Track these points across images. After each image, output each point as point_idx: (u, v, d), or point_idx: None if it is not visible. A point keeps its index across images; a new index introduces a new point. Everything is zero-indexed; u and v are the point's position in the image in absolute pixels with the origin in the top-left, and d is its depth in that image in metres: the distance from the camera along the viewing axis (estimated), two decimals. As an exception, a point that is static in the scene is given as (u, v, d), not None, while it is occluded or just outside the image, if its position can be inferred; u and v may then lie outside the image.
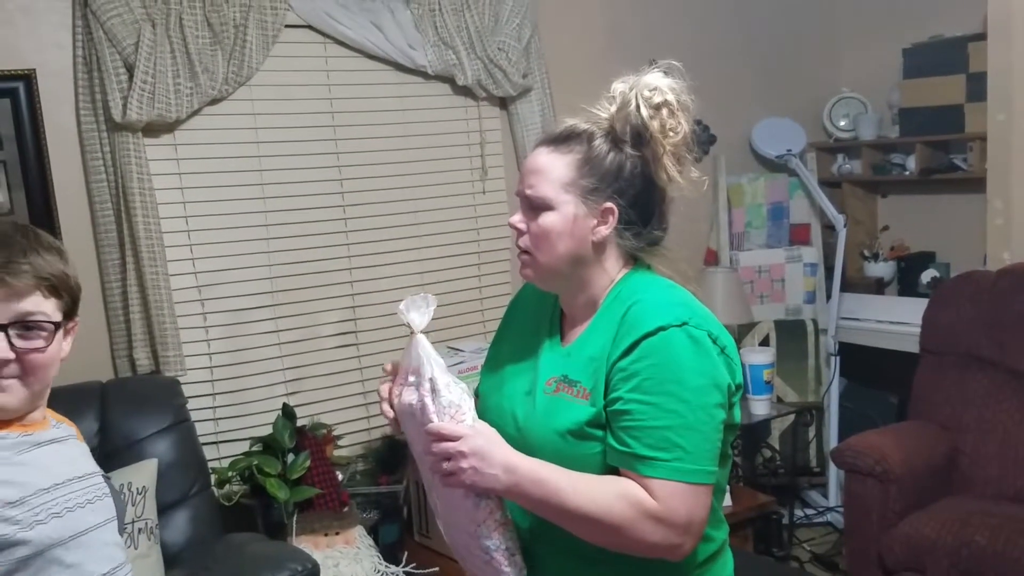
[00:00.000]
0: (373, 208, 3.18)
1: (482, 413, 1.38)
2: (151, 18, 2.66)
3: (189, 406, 2.70)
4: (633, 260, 1.43)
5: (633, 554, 1.31)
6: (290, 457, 2.69)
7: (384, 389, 1.42)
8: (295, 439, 2.73)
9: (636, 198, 1.37)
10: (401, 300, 1.34)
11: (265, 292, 2.99)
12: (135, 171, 2.65)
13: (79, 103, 2.65)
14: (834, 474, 3.76)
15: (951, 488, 2.90)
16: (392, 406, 1.40)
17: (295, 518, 2.65)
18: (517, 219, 1.41)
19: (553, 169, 1.37)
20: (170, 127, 2.77)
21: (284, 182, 3.00)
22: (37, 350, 1.32)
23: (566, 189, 1.36)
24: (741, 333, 3.80)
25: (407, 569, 2.77)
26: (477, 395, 1.53)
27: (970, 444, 2.93)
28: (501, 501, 1.35)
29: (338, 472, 2.81)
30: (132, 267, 2.69)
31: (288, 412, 2.79)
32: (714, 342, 1.31)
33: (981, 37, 3.40)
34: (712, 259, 3.96)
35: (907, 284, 3.97)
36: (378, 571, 2.69)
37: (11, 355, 1.29)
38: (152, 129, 2.73)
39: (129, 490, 2.32)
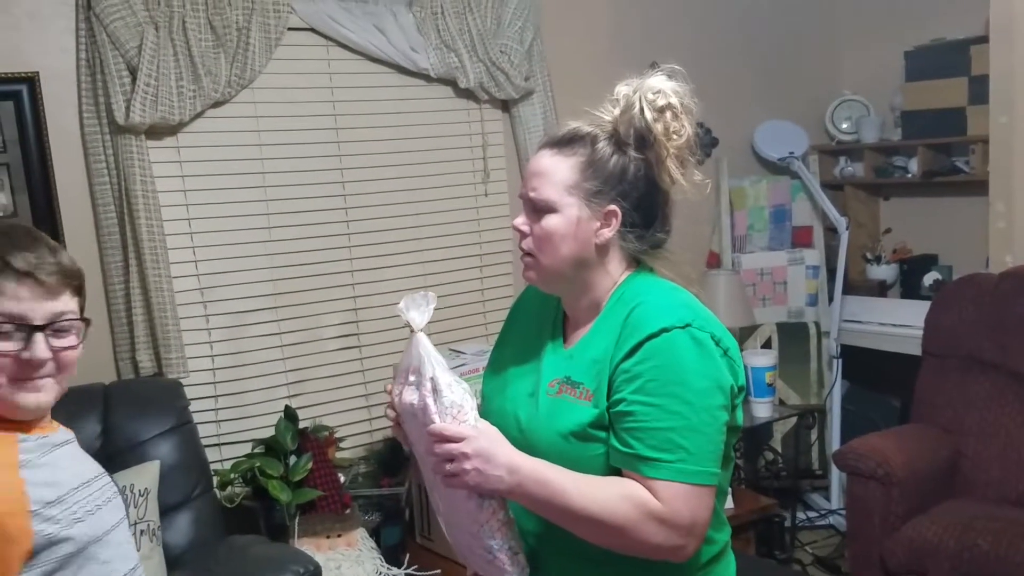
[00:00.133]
0: (375, 210, 3.18)
1: (485, 415, 1.38)
2: (154, 21, 2.66)
3: (191, 408, 2.70)
4: (636, 262, 1.43)
5: (636, 555, 1.31)
6: (292, 459, 2.69)
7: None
8: (297, 441, 2.73)
9: (639, 201, 1.38)
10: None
11: (267, 294, 2.99)
12: (138, 174, 2.66)
13: (82, 106, 2.66)
14: (836, 477, 3.76)
15: (953, 491, 2.90)
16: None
17: (297, 520, 2.65)
18: (520, 221, 1.41)
19: (557, 172, 1.37)
20: (173, 130, 2.78)
21: (286, 184, 3.00)
22: (71, 348, 1.33)
23: (569, 192, 1.36)
24: (743, 336, 3.80)
25: (409, 571, 2.77)
26: (480, 397, 1.53)
27: (972, 447, 2.93)
28: (504, 501, 1.35)
29: (340, 474, 2.81)
30: (135, 269, 2.69)
31: (290, 414, 2.79)
32: (717, 344, 1.32)
33: (983, 40, 3.40)
34: (714, 262, 3.96)
35: (909, 287, 3.97)
36: (380, 573, 2.69)
37: (50, 355, 1.30)
38: (155, 132, 2.73)
39: (131, 492, 2.32)
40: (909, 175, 3.91)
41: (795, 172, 3.99)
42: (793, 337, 3.90)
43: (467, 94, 3.31)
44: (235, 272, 2.92)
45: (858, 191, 4.20)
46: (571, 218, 1.36)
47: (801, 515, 3.72)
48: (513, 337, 1.56)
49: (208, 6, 2.75)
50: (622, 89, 1.39)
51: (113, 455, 2.40)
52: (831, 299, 3.89)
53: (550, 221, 1.37)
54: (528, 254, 1.41)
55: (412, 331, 1.32)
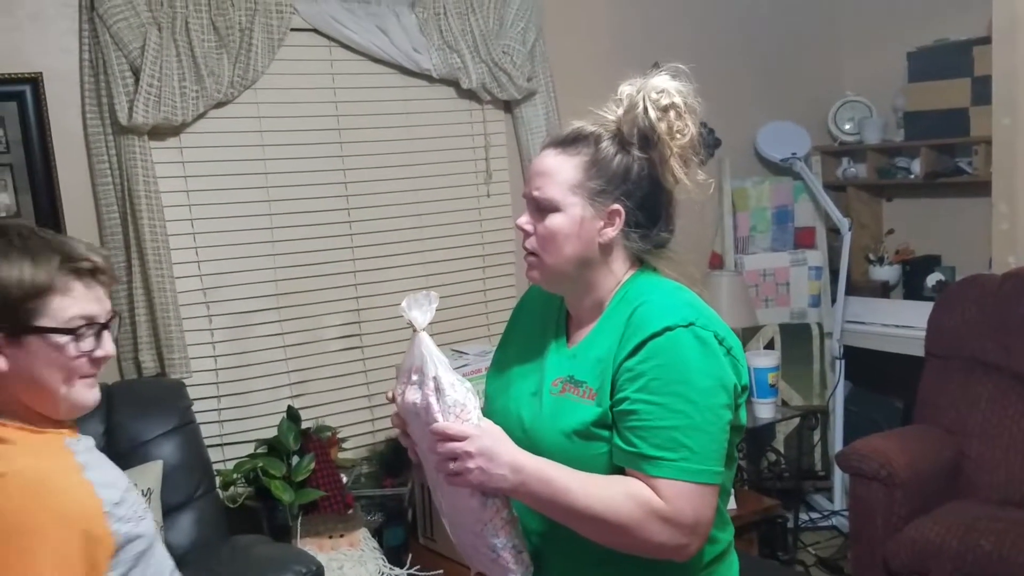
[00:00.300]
0: (378, 211, 3.18)
1: (489, 415, 1.38)
2: (157, 22, 2.67)
3: (194, 408, 2.70)
4: (639, 262, 1.43)
5: (639, 554, 1.31)
6: (295, 459, 2.69)
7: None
8: (300, 441, 2.73)
9: (643, 200, 1.38)
10: None
11: (270, 295, 2.99)
12: (141, 174, 2.66)
13: (85, 106, 2.66)
14: (839, 478, 3.75)
15: (956, 492, 2.90)
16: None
17: (300, 520, 2.65)
18: (524, 221, 1.41)
19: (560, 171, 1.37)
20: (176, 130, 2.78)
21: (289, 185, 3.01)
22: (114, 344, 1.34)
23: (573, 191, 1.36)
24: (746, 337, 3.80)
25: (411, 572, 2.77)
26: (484, 396, 1.53)
27: (975, 448, 2.92)
28: (507, 500, 1.35)
29: (342, 474, 2.81)
30: (138, 270, 2.70)
31: (293, 414, 2.79)
32: (720, 343, 1.32)
33: (986, 41, 3.40)
34: (717, 263, 3.96)
35: (912, 288, 3.96)
36: (382, 573, 2.69)
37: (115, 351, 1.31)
38: (158, 132, 2.74)
39: (134, 492, 2.32)
40: (912, 176, 3.90)
41: (798, 173, 3.99)
42: (796, 338, 3.90)
43: (469, 95, 3.31)
44: (238, 272, 2.93)
45: (861, 192, 4.19)
46: (575, 217, 1.36)
47: (804, 516, 3.72)
48: (516, 336, 1.56)
49: (211, 7, 2.76)
50: (626, 89, 1.39)
51: (116, 455, 2.37)
52: (834, 300, 3.89)
53: (554, 220, 1.37)
54: (532, 253, 1.41)
55: (414, 331, 1.32)
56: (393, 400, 1.38)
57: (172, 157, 2.80)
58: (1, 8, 2.57)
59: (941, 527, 2.62)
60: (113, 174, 2.69)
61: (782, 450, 3.77)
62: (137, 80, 2.63)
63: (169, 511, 2.46)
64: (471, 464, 1.27)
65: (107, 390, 2.55)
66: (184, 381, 2.73)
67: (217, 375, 2.91)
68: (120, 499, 1.24)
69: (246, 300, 2.95)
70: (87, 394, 1.27)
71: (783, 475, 3.69)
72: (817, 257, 3.97)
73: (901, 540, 2.68)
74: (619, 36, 3.67)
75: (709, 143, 3.82)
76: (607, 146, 1.37)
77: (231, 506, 2.67)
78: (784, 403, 3.73)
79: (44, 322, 1.20)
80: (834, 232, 4.00)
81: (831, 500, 3.86)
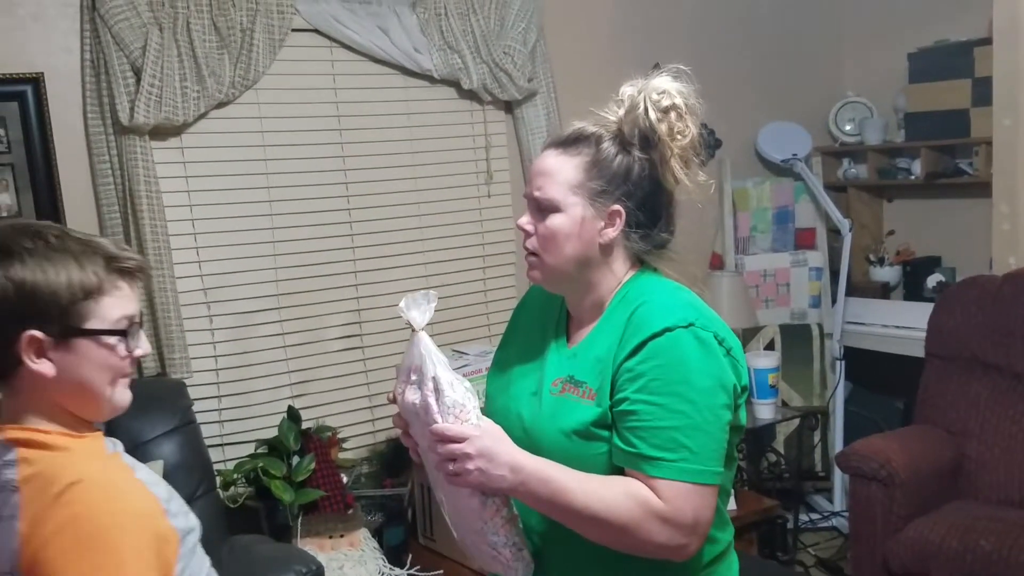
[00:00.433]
0: (378, 211, 3.19)
1: (489, 414, 1.38)
2: (158, 22, 2.67)
3: (195, 408, 2.70)
4: (640, 262, 1.43)
5: (639, 554, 1.31)
6: (295, 459, 2.70)
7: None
8: (300, 441, 2.73)
9: (644, 201, 1.38)
10: None
11: (271, 295, 2.99)
12: (142, 174, 2.66)
13: (87, 106, 2.67)
14: (839, 478, 3.75)
15: (956, 493, 2.90)
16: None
17: (300, 520, 2.66)
18: (525, 221, 1.41)
19: (561, 171, 1.38)
20: (177, 130, 2.78)
21: (290, 185, 3.01)
22: None
23: (574, 191, 1.37)
24: (746, 337, 3.80)
25: (411, 572, 2.77)
26: (484, 396, 1.54)
27: (975, 449, 2.93)
28: (507, 498, 1.35)
29: (343, 474, 2.82)
30: (139, 269, 2.69)
31: (293, 414, 2.79)
32: (720, 343, 1.32)
33: (987, 42, 3.40)
34: (717, 263, 3.96)
35: (913, 288, 3.97)
36: (382, 573, 2.69)
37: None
38: (159, 132, 2.74)
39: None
40: (912, 177, 3.91)
41: (798, 174, 3.99)
42: (796, 339, 3.90)
43: (470, 95, 3.31)
44: (239, 272, 2.93)
45: (861, 193, 4.20)
46: (575, 218, 1.36)
47: (804, 517, 3.72)
48: (517, 336, 1.57)
49: (212, 7, 2.76)
50: (627, 89, 1.39)
51: (117, 455, 2.41)
52: (834, 301, 3.89)
53: (554, 220, 1.37)
54: (532, 253, 1.41)
55: (413, 331, 1.32)
56: (394, 401, 1.38)
57: (173, 157, 2.81)
58: (2, 8, 2.58)
59: (941, 527, 2.62)
60: (114, 174, 2.69)
61: (782, 451, 3.77)
62: (138, 80, 2.63)
63: (170, 511, 2.45)
64: (470, 465, 1.27)
65: (108, 390, 2.55)
66: (185, 381, 2.73)
67: (218, 375, 2.91)
68: (168, 496, 1.23)
69: (247, 300, 2.95)
70: (126, 394, 1.26)
71: (783, 476, 3.69)
72: (818, 258, 3.97)
73: (901, 540, 2.69)
74: (620, 37, 3.67)
75: (710, 144, 3.82)
76: (608, 147, 1.38)
77: (231, 506, 2.67)
78: (784, 404, 3.74)
79: (94, 324, 1.18)
80: (835, 233, 4.00)
81: (831, 501, 3.86)
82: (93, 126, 2.67)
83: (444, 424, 1.29)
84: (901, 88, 3.99)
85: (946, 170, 3.81)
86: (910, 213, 4.16)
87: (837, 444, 3.75)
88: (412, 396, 1.33)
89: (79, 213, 2.68)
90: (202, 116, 2.80)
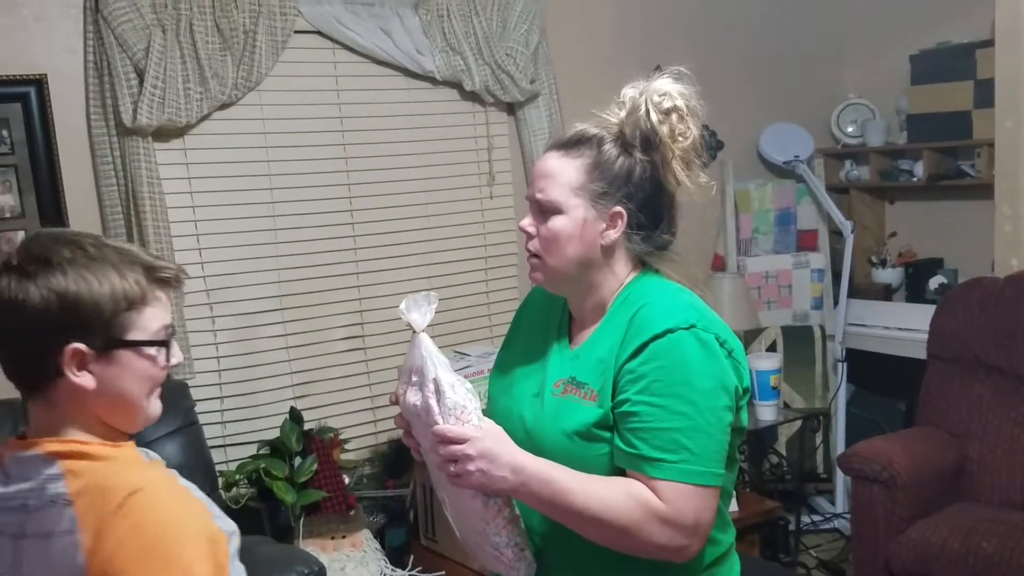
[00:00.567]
0: (381, 213, 3.19)
1: (491, 415, 1.39)
2: (161, 23, 2.68)
3: (197, 409, 2.71)
4: (642, 264, 1.43)
5: (640, 555, 1.31)
6: (297, 460, 2.70)
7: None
8: (302, 442, 2.74)
9: (645, 202, 1.38)
10: None
11: (273, 296, 3.00)
12: (145, 175, 2.67)
13: (90, 108, 2.67)
14: (841, 480, 3.75)
15: (958, 495, 2.89)
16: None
17: (302, 521, 2.66)
18: (527, 223, 1.42)
19: (563, 173, 1.38)
20: (180, 132, 2.79)
21: (293, 187, 3.01)
22: None
23: (576, 193, 1.37)
24: (748, 339, 3.80)
25: (413, 573, 2.77)
26: (487, 397, 1.54)
27: (978, 451, 2.92)
28: (509, 499, 1.36)
29: (345, 476, 2.82)
30: (141, 271, 2.70)
31: (295, 415, 2.79)
32: (722, 345, 1.32)
33: (989, 43, 3.40)
34: (719, 265, 3.96)
35: (915, 290, 3.96)
36: (384, 574, 2.69)
37: None
38: (162, 134, 2.74)
39: (137, 493, 2.32)
40: (915, 179, 3.90)
41: (800, 175, 3.99)
42: (798, 340, 3.90)
43: (473, 97, 3.32)
44: (241, 274, 2.94)
45: (863, 194, 4.19)
46: (577, 219, 1.37)
47: (806, 518, 3.72)
48: (519, 338, 1.57)
49: (215, 9, 2.76)
50: (628, 91, 1.39)
51: (119, 455, 2.41)
52: (836, 302, 3.89)
53: (556, 222, 1.37)
54: (535, 255, 1.41)
55: (414, 332, 1.32)
56: (396, 402, 1.39)
57: (176, 158, 2.81)
58: (6, 9, 2.58)
59: (943, 529, 2.62)
60: (117, 175, 2.69)
61: (784, 452, 3.77)
62: (141, 81, 2.63)
63: (172, 511, 2.45)
64: (471, 466, 1.28)
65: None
66: (187, 382, 2.74)
67: (220, 376, 2.91)
68: (206, 499, 1.22)
69: (250, 301, 2.95)
70: (158, 404, 1.23)
71: (785, 477, 3.69)
72: (819, 259, 3.97)
73: (903, 542, 2.68)
74: (622, 39, 3.67)
75: (711, 145, 3.82)
76: (610, 148, 1.38)
77: (234, 507, 2.67)
78: (786, 405, 3.73)
79: (136, 335, 1.15)
80: (837, 234, 4.00)
81: (833, 502, 3.86)
82: (96, 127, 2.67)
83: (445, 426, 1.29)
84: (903, 90, 3.99)
85: (948, 172, 3.81)
86: (912, 215, 4.15)
87: (839, 446, 3.75)
88: (413, 397, 1.34)
89: (82, 214, 2.69)
90: (205, 117, 2.81)
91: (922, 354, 3.21)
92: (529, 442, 1.37)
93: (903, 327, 3.70)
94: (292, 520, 2.65)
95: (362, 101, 3.14)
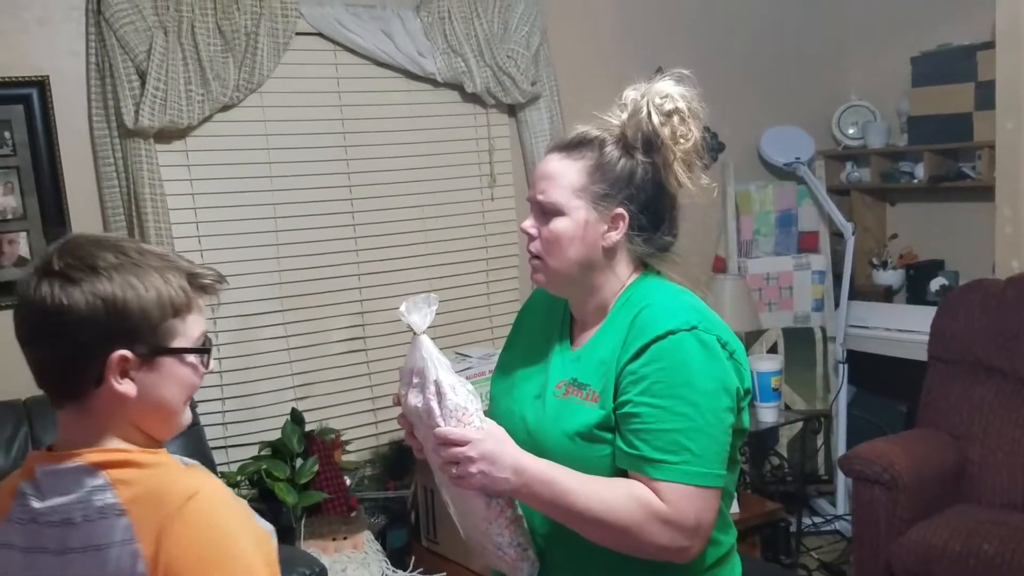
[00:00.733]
0: (382, 214, 3.20)
1: (493, 417, 1.39)
2: (163, 26, 2.68)
3: (198, 410, 2.70)
4: (643, 265, 1.44)
5: (641, 556, 1.31)
6: (299, 462, 2.70)
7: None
8: (304, 444, 2.74)
9: (647, 204, 1.38)
10: None
11: (274, 297, 3.00)
12: (147, 177, 2.67)
13: (92, 109, 2.68)
14: (842, 482, 3.75)
15: (959, 496, 2.90)
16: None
17: (303, 522, 2.66)
18: (529, 224, 1.42)
19: (565, 175, 1.38)
20: (181, 133, 2.79)
21: (294, 188, 3.02)
22: None
23: (577, 195, 1.37)
24: (749, 340, 3.80)
25: (414, 574, 2.77)
26: (488, 398, 1.54)
27: (978, 452, 2.92)
28: (511, 499, 1.36)
29: (346, 477, 2.82)
30: (143, 272, 2.70)
31: (297, 417, 2.80)
32: (723, 346, 1.32)
33: (990, 46, 3.40)
34: (720, 266, 3.96)
35: (916, 292, 3.96)
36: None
37: None
38: (164, 135, 2.75)
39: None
40: (915, 180, 3.91)
41: (801, 177, 3.99)
42: (799, 342, 3.90)
43: (474, 99, 3.32)
44: (243, 275, 2.94)
45: (864, 196, 4.20)
46: (579, 221, 1.37)
47: (807, 520, 3.72)
48: (521, 339, 1.57)
49: (217, 11, 2.77)
50: (630, 93, 1.39)
51: (121, 457, 2.41)
52: (837, 304, 3.89)
53: (558, 224, 1.37)
54: (536, 257, 1.41)
55: (415, 334, 1.33)
56: (399, 403, 1.39)
57: (178, 160, 2.82)
58: (8, 11, 2.59)
59: (944, 531, 2.62)
60: (119, 177, 2.70)
61: (785, 454, 3.77)
62: (143, 83, 2.64)
63: (173, 513, 2.46)
64: (473, 468, 1.28)
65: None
66: (189, 383, 2.74)
67: (221, 377, 2.91)
68: (244, 502, 1.21)
69: (251, 303, 2.96)
70: (190, 413, 1.21)
71: (786, 479, 3.69)
72: (821, 261, 3.97)
73: (904, 544, 2.68)
74: (623, 41, 3.67)
75: (713, 147, 3.83)
76: (611, 150, 1.38)
77: (235, 508, 2.67)
78: (787, 407, 3.73)
79: (180, 342, 1.13)
80: (838, 236, 4.00)
81: (834, 504, 3.86)
82: (98, 129, 2.68)
83: (447, 428, 1.30)
84: (904, 92, 3.99)
85: (949, 174, 3.81)
86: (913, 217, 4.15)
87: (840, 447, 3.75)
88: (415, 399, 1.34)
89: (84, 216, 2.69)
90: (206, 119, 2.81)
91: (923, 356, 3.21)
92: (531, 443, 1.37)
93: (904, 329, 3.70)
94: (293, 521, 2.65)
95: (363, 103, 3.14)
